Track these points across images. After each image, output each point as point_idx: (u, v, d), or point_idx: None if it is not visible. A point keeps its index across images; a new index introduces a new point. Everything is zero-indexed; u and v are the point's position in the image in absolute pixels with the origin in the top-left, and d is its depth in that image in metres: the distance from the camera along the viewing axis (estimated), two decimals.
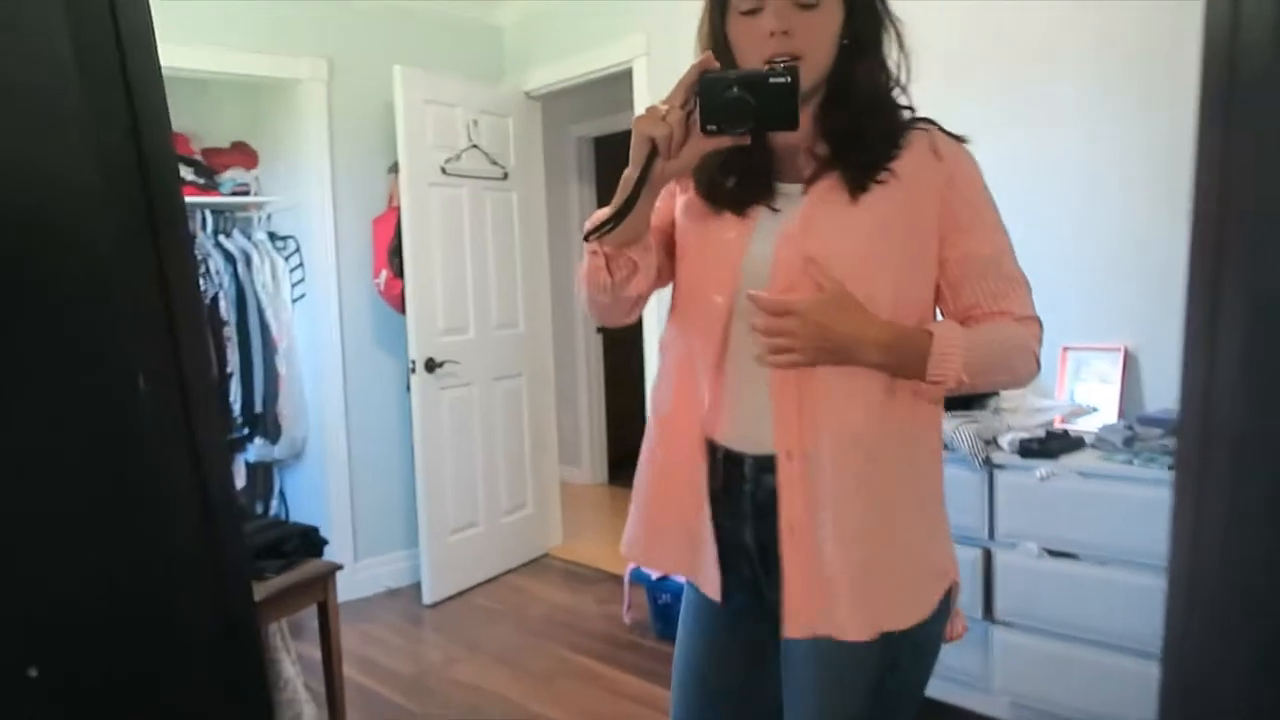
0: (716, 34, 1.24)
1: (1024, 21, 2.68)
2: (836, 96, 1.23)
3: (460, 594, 3.96)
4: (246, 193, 3.99)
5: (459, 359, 3.90)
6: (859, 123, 1.22)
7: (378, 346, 4.03)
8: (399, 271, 3.80)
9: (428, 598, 3.85)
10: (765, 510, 1.23)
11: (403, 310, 3.80)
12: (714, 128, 1.11)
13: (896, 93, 1.27)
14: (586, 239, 1.22)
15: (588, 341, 5.63)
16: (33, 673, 0.56)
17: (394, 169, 3.83)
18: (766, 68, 1.12)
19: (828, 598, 1.21)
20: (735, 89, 1.10)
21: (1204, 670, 1.67)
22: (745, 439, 1.25)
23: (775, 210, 1.24)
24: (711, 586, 1.30)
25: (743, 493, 1.26)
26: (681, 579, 1.41)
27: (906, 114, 1.28)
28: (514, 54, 4.34)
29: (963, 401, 2.53)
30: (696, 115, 1.12)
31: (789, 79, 1.10)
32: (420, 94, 3.74)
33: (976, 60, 2.78)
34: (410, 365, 3.78)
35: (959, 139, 1.28)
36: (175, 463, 0.54)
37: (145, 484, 0.54)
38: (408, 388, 3.86)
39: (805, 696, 1.26)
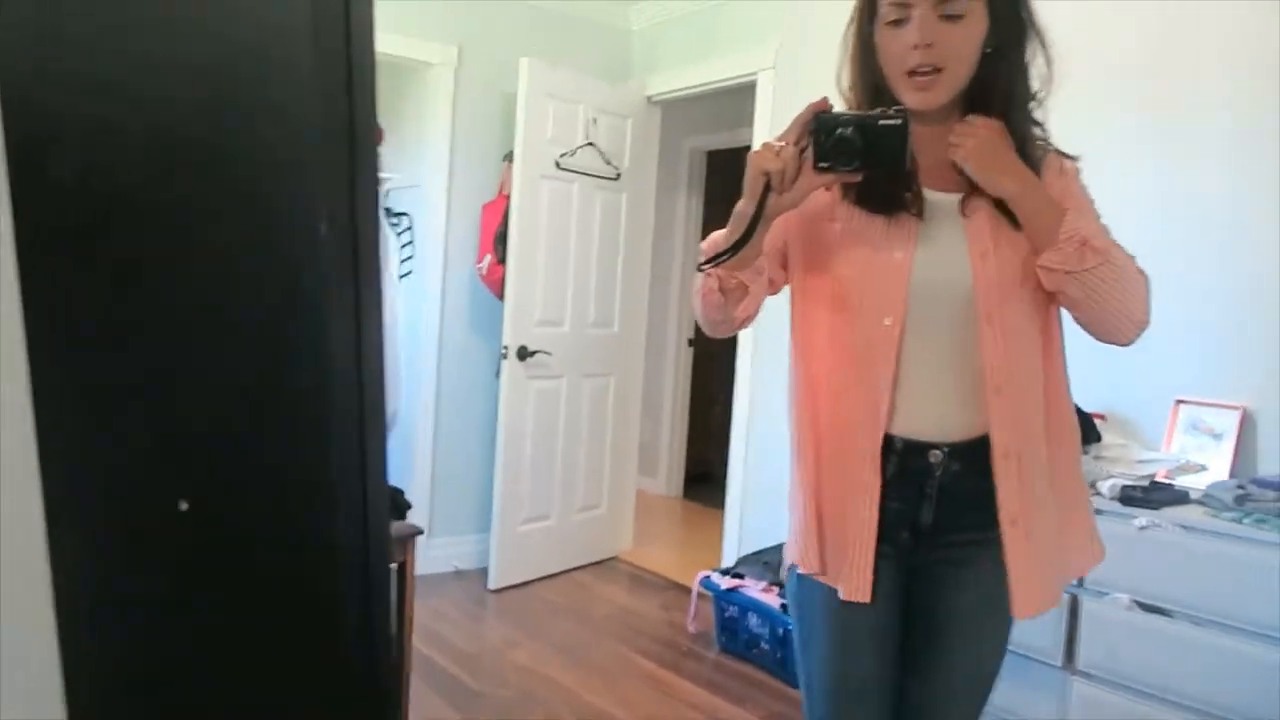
0: (864, 40, 1.31)
1: (1179, 47, 2.60)
2: (977, 100, 1.29)
3: (525, 584, 3.99)
4: None
5: (551, 350, 3.94)
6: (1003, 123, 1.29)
7: (473, 330, 4.11)
8: (502, 258, 3.87)
9: (493, 583, 3.89)
10: (950, 493, 1.33)
11: (501, 296, 3.87)
12: (826, 165, 1.19)
13: (1033, 107, 1.33)
14: (700, 268, 1.32)
15: (679, 352, 5.64)
16: (184, 506, 0.58)
17: (509, 158, 3.90)
18: (879, 111, 1.19)
19: (1047, 575, 1.36)
20: (847, 129, 1.16)
21: None
22: (926, 431, 1.33)
23: (919, 217, 1.30)
24: (862, 585, 1.34)
25: (930, 477, 1.33)
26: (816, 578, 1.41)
27: (1037, 131, 1.34)
28: (641, 57, 4.40)
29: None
30: (809, 153, 1.19)
31: (900, 122, 1.16)
32: (543, 87, 3.82)
33: (1125, 84, 2.71)
34: (503, 351, 3.84)
35: (1072, 158, 1.38)
36: (341, 319, 0.56)
37: (309, 334, 0.57)
38: (498, 374, 3.92)
39: (976, 649, 1.41)
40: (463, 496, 4.13)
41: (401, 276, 4.08)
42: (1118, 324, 1.30)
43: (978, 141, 1.24)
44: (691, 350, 5.64)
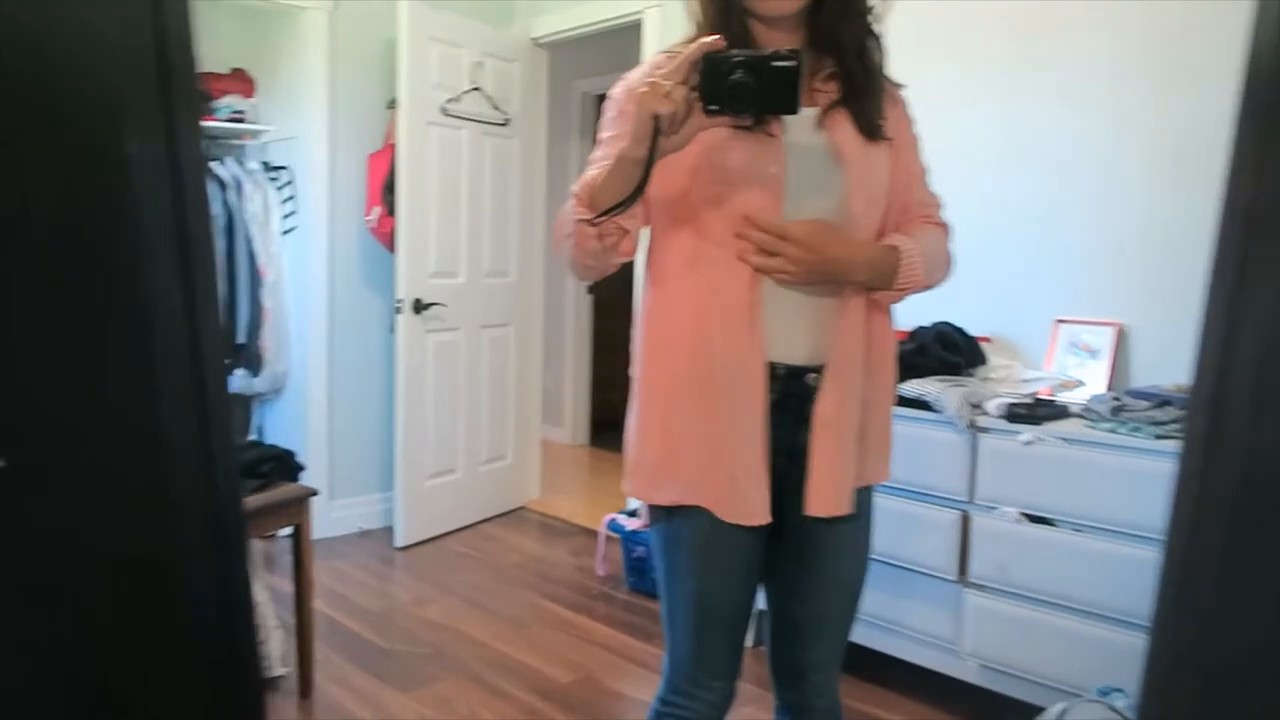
0: None
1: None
2: (816, 8, 1.31)
3: (433, 539, 3.94)
4: (242, 121, 3.93)
5: (447, 302, 3.86)
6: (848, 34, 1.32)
7: (366, 284, 3.99)
8: (392, 209, 3.75)
9: (400, 540, 3.84)
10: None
11: (393, 249, 3.76)
12: (716, 108, 1.15)
13: (871, 20, 1.36)
14: (594, 222, 1.26)
15: (579, 301, 5.61)
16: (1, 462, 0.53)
17: (393, 105, 3.77)
18: (770, 51, 1.15)
19: (843, 482, 1.38)
20: (739, 72, 1.13)
21: (1196, 644, 1.68)
22: (799, 355, 1.35)
23: (770, 134, 1.30)
24: (760, 508, 1.35)
25: (808, 401, 1.35)
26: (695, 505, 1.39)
27: (874, 44, 1.37)
28: None
29: (950, 367, 2.52)
30: (696, 93, 1.15)
31: (794, 64, 1.13)
32: (425, 30, 3.69)
33: (1000, 13, 2.75)
34: (397, 305, 3.74)
35: (899, 85, 1.45)
36: (165, 247, 0.52)
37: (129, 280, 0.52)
38: (393, 329, 3.83)
39: (846, 567, 1.46)
40: (364, 455, 4.04)
41: (285, 233, 3.93)
42: (940, 284, 1.48)
43: (800, 268, 1.28)
44: (591, 298, 5.61)
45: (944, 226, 1.50)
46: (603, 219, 1.24)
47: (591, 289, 5.54)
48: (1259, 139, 1.33)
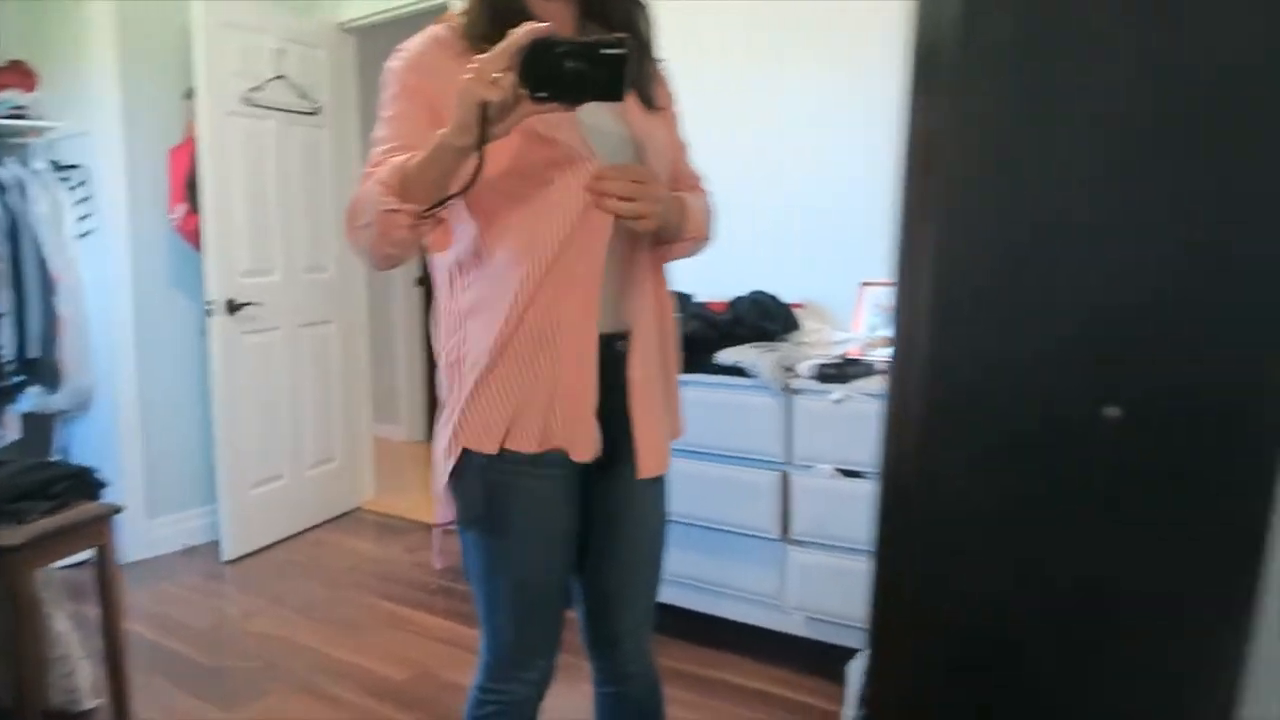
0: None
1: None
2: None
3: (263, 550, 3.77)
4: (23, 117, 3.63)
5: (263, 302, 3.69)
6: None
7: (174, 286, 3.77)
8: (197, 206, 3.55)
9: (227, 554, 3.65)
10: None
11: (200, 247, 3.56)
12: (544, 95, 1.12)
13: None
14: (424, 215, 1.21)
15: (407, 292, 5.47)
16: None
17: (190, 95, 3.57)
18: (597, 38, 1.14)
19: (662, 442, 1.44)
20: (572, 60, 1.11)
21: (910, 489, 1.81)
22: (607, 322, 1.36)
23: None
24: (588, 442, 1.36)
25: (620, 367, 1.38)
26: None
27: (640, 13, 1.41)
28: None
29: (766, 334, 2.60)
30: (521, 79, 1.11)
31: (622, 50, 1.11)
32: (220, 16, 3.50)
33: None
34: (207, 307, 3.55)
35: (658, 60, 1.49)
36: None
37: None
38: (204, 332, 3.63)
39: (652, 530, 1.50)
40: (184, 468, 3.82)
41: (81, 235, 3.66)
42: (707, 245, 1.53)
43: (659, 207, 1.31)
44: (421, 289, 5.48)
45: (708, 195, 1.57)
46: (433, 210, 1.20)
47: (422, 280, 5.41)
48: (922, 92, 1.44)
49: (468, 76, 1.11)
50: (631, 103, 1.36)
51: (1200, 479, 1.60)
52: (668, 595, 2.66)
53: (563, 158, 1.29)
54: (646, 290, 1.40)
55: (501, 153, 1.24)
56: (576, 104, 1.16)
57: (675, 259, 1.48)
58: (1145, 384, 1.61)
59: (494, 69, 1.09)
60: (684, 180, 1.52)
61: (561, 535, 1.40)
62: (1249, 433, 1.58)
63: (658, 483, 1.47)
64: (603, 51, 1.11)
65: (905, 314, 1.74)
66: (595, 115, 1.33)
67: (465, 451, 1.35)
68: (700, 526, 2.54)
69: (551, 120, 1.24)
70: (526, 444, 1.34)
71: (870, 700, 1.91)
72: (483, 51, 1.18)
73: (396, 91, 1.33)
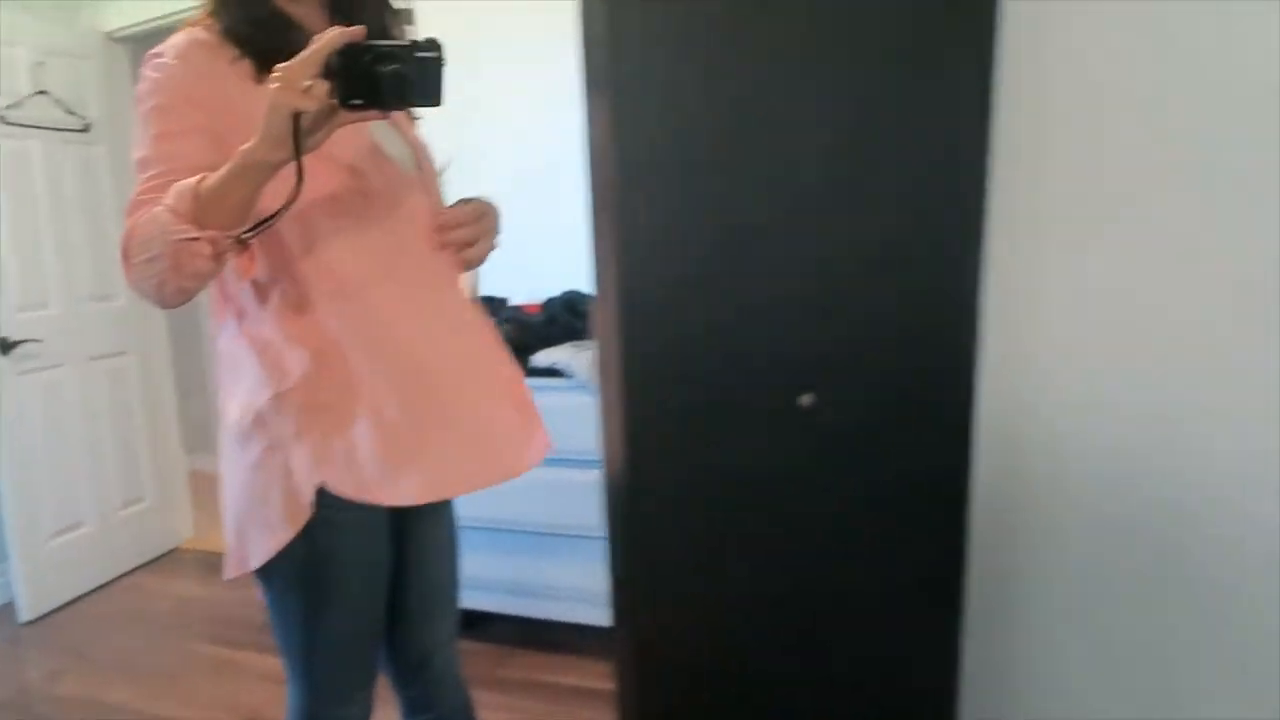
0: None
1: None
2: None
3: (68, 604, 3.49)
4: None
5: (41, 337, 3.39)
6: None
7: None
8: None
9: (25, 614, 3.35)
10: None
11: None
12: (359, 102, 1.06)
13: None
14: (243, 239, 1.11)
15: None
16: None
17: None
18: (411, 42, 1.08)
19: None
20: (383, 64, 1.05)
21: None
22: None
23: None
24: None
25: None
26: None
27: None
28: None
29: (579, 332, 2.58)
30: (334, 87, 1.05)
31: (437, 54, 1.08)
32: None
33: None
34: None
35: None
36: None
37: None
38: None
39: (445, 539, 1.48)
40: None
41: None
42: None
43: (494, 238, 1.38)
44: None
45: None
46: (258, 232, 1.10)
47: None
48: (595, 99, 1.50)
49: (275, 86, 1.02)
50: (401, 120, 1.35)
51: (899, 459, 1.71)
52: (498, 604, 2.64)
53: (399, 182, 1.28)
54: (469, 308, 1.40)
55: (330, 173, 1.19)
56: (393, 110, 1.11)
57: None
58: (833, 370, 1.71)
59: (304, 76, 1.02)
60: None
61: (385, 562, 1.35)
62: (941, 411, 1.70)
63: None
64: (419, 55, 1.07)
65: (602, 310, 1.78)
66: (377, 127, 1.28)
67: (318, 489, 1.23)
68: (526, 532, 2.51)
69: (344, 143, 1.16)
70: (418, 486, 1.26)
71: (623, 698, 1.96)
72: (250, 54, 1.14)
73: (162, 104, 1.17)
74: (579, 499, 2.41)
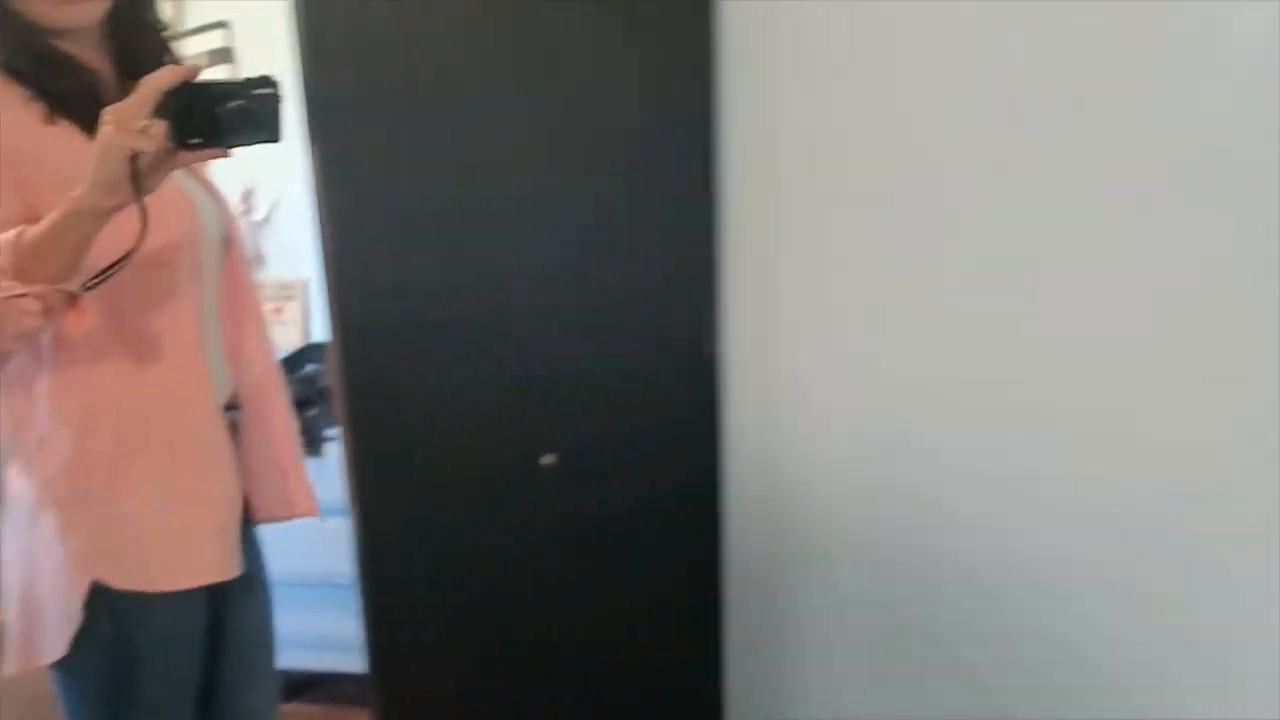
0: None
1: None
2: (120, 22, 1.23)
3: None
4: None
5: None
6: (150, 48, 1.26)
7: None
8: None
9: None
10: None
11: None
12: (199, 140, 1.03)
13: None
14: (88, 288, 1.06)
15: None
16: None
17: None
18: (246, 79, 1.08)
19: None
20: (221, 102, 1.04)
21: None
22: (224, 387, 1.29)
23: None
24: (233, 560, 1.27)
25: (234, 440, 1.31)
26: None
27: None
28: None
29: None
30: (170, 127, 1.02)
31: (273, 90, 1.07)
32: None
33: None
34: None
35: None
36: None
37: None
38: None
39: (260, 604, 1.43)
40: None
41: None
42: None
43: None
44: None
45: None
46: (97, 283, 1.04)
47: None
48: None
49: (109, 127, 0.97)
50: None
51: (643, 512, 1.75)
52: (306, 661, 2.57)
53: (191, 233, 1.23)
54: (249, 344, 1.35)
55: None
56: (232, 148, 1.07)
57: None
58: (573, 430, 1.72)
59: (138, 116, 0.98)
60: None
61: (203, 624, 1.30)
62: (686, 449, 1.71)
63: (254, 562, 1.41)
64: (257, 92, 1.07)
65: (333, 363, 1.73)
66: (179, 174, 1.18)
67: (95, 584, 1.16)
68: (324, 585, 2.47)
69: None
70: (169, 575, 1.22)
71: None
72: (42, 93, 1.10)
73: None
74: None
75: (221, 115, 1.04)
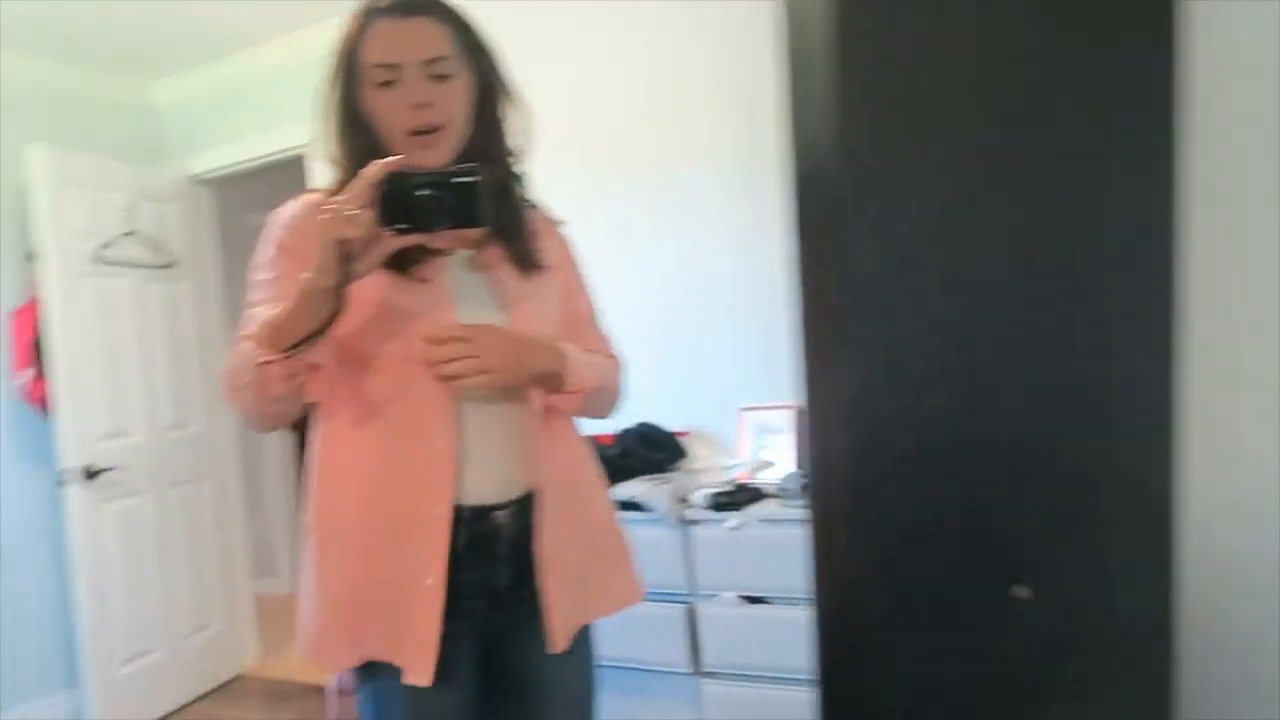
0: (350, 107, 1.30)
1: (665, 110, 2.92)
2: (471, 152, 1.32)
3: None
4: None
5: (124, 465, 3.50)
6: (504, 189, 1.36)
7: (19, 456, 3.52)
8: (44, 370, 3.37)
9: None
10: (519, 550, 1.34)
11: (49, 413, 3.36)
12: (405, 226, 1.13)
13: (512, 161, 1.40)
14: (273, 359, 1.17)
15: (281, 439, 5.28)
16: None
17: (32, 257, 3.41)
18: (451, 168, 1.17)
19: (572, 613, 1.40)
20: (424, 189, 1.13)
21: (848, 680, 1.84)
22: (488, 494, 1.32)
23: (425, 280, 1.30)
24: (425, 665, 1.27)
25: (500, 539, 1.33)
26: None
27: (518, 186, 1.42)
28: (176, 136, 4.06)
29: (655, 465, 2.63)
30: (378, 214, 1.13)
31: (473, 178, 1.14)
32: (62, 174, 3.38)
33: (618, 146, 2.99)
34: (62, 476, 3.33)
35: (559, 222, 1.52)
36: None
37: None
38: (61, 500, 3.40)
39: (575, 699, 1.45)
40: (37, 652, 3.52)
41: None
42: (609, 405, 1.52)
43: (498, 361, 1.25)
44: (294, 436, 5.30)
45: (615, 360, 1.55)
46: (294, 351, 1.16)
47: (296, 425, 5.23)
48: (808, 241, 1.56)
49: (325, 217, 1.11)
50: (504, 272, 1.36)
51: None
52: None
53: (413, 329, 1.27)
54: (551, 450, 1.37)
55: (351, 313, 1.21)
56: (434, 230, 1.16)
57: (573, 414, 1.45)
58: (1063, 488, 1.67)
59: (350, 206, 1.10)
60: (585, 346, 1.47)
61: (453, 709, 1.34)
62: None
63: (580, 648, 1.44)
64: (454, 180, 1.14)
65: (819, 443, 1.79)
66: (466, 301, 1.32)
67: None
68: (611, 666, 2.50)
69: (413, 296, 1.27)
70: (344, 656, 1.33)
71: None
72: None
73: (272, 255, 1.32)
74: (664, 633, 2.41)
75: (418, 201, 1.12)
